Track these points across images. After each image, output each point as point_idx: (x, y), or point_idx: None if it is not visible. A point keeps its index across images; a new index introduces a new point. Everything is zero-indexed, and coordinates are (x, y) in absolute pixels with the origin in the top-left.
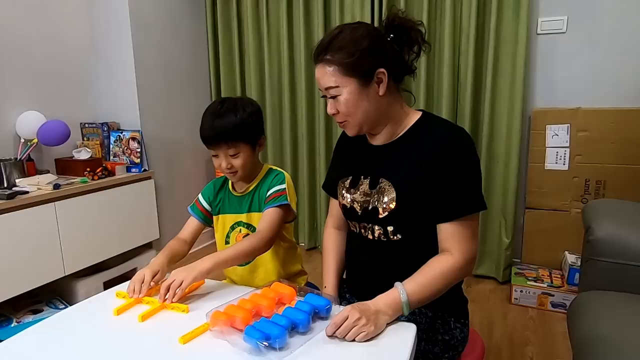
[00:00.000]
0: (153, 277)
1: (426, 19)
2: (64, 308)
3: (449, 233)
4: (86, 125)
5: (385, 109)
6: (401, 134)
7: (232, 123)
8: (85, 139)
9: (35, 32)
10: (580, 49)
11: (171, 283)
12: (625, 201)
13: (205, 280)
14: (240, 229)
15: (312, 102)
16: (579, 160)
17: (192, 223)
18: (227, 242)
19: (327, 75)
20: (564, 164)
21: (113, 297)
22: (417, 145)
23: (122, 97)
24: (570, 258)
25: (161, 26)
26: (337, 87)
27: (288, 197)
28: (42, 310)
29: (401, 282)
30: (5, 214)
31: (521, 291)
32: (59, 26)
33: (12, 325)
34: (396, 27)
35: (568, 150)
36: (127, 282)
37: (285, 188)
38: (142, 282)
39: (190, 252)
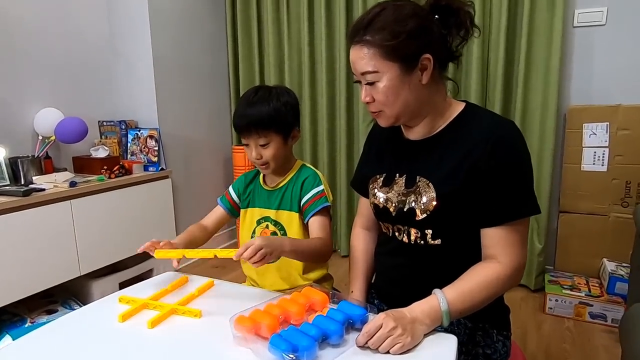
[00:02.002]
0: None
1: None
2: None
3: (495, 238)
4: (104, 123)
5: (426, 100)
6: (442, 127)
7: (264, 111)
8: (103, 137)
9: (55, 28)
10: (621, 42)
11: (253, 250)
12: None
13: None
14: (267, 225)
15: (332, 101)
16: (619, 160)
17: (218, 211)
18: (252, 238)
19: (365, 58)
20: (602, 165)
21: (115, 302)
22: (461, 139)
23: (141, 95)
24: (610, 266)
25: (180, 24)
26: (375, 72)
27: (328, 198)
28: (56, 311)
29: (440, 289)
30: (21, 211)
31: (556, 300)
32: (78, 23)
33: (26, 325)
34: (443, 8)
35: (607, 150)
36: (128, 288)
37: (323, 189)
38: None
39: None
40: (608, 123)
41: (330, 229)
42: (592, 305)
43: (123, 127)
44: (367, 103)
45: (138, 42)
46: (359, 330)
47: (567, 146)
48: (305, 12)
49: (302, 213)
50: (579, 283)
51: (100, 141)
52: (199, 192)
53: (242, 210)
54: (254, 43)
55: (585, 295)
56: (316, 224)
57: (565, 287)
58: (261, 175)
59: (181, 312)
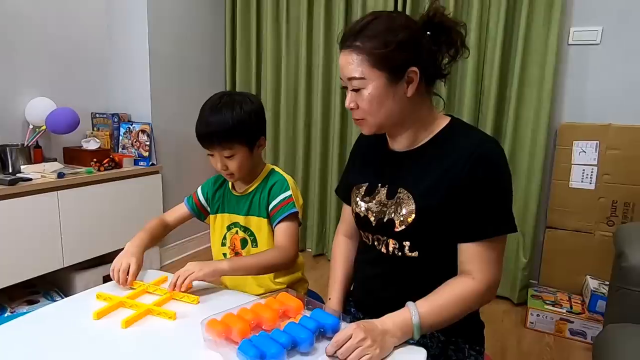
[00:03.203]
0: (138, 267)
1: None
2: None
3: (471, 254)
4: (97, 115)
5: (410, 112)
6: (426, 140)
7: (226, 123)
8: (95, 129)
9: (52, 18)
10: (614, 62)
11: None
12: None
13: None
14: (237, 231)
15: (327, 105)
16: (607, 179)
17: (182, 210)
18: (223, 244)
19: (353, 64)
20: (590, 183)
21: (93, 298)
22: (444, 154)
23: (135, 88)
24: (593, 283)
25: (179, 20)
26: (362, 79)
27: (296, 204)
28: (37, 302)
29: (414, 302)
30: (7, 200)
31: (538, 315)
32: (76, 14)
33: (6, 315)
34: (436, 25)
35: (596, 168)
36: (109, 284)
37: (291, 195)
38: (127, 273)
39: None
40: (598, 142)
41: (297, 235)
42: (572, 322)
43: (116, 120)
44: (351, 109)
45: (135, 35)
46: (330, 339)
47: (557, 162)
48: (304, 15)
49: (270, 219)
50: (561, 299)
51: (92, 133)
52: (188, 188)
53: (212, 216)
54: (252, 43)
55: (566, 311)
56: (280, 231)
57: (547, 302)
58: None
59: (156, 313)
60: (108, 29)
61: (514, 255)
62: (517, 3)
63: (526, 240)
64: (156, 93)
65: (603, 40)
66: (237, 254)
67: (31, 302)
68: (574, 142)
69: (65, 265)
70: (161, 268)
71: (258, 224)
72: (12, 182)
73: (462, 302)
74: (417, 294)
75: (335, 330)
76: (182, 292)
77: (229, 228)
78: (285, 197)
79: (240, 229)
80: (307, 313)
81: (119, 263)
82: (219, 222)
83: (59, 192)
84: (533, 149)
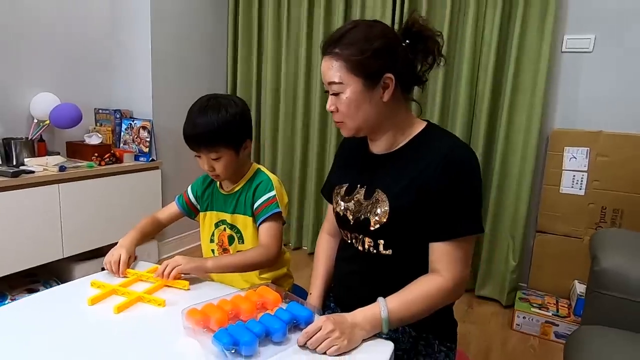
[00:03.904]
0: (129, 257)
1: (447, 28)
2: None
3: (440, 253)
4: (100, 110)
5: (387, 116)
6: (402, 143)
7: (212, 126)
8: (98, 124)
9: (57, 15)
10: (606, 70)
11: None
12: (638, 233)
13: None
14: (225, 228)
15: (325, 105)
16: (597, 186)
17: (173, 208)
18: (211, 241)
19: (332, 69)
20: (580, 189)
21: (88, 285)
22: (419, 157)
23: (137, 85)
24: (580, 288)
25: (181, 19)
26: (340, 83)
27: (279, 204)
28: (37, 290)
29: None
30: (9, 192)
31: (524, 317)
32: (81, 11)
33: (6, 302)
34: (414, 34)
35: (586, 174)
36: (103, 272)
37: (274, 195)
38: (119, 262)
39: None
40: (589, 148)
41: (279, 234)
42: (557, 325)
43: (118, 116)
44: (332, 112)
45: (138, 33)
46: (302, 329)
47: (547, 168)
48: (304, 18)
49: (254, 217)
50: (548, 302)
51: (94, 128)
52: (187, 184)
53: (201, 214)
54: (253, 44)
55: (552, 314)
56: (264, 230)
57: (534, 305)
58: None
59: (146, 300)
60: (112, 27)
61: (504, 258)
62: (512, 10)
63: (516, 244)
64: (157, 91)
65: (596, 48)
66: (225, 250)
67: (31, 291)
68: (565, 148)
69: (65, 256)
70: (159, 261)
71: (244, 222)
72: (15, 174)
73: (430, 299)
74: (391, 291)
75: (309, 322)
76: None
77: (217, 225)
78: (269, 197)
79: (228, 227)
80: (284, 306)
81: (111, 255)
82: (207, 220)
83: (60, 185)
84: (525, 153)
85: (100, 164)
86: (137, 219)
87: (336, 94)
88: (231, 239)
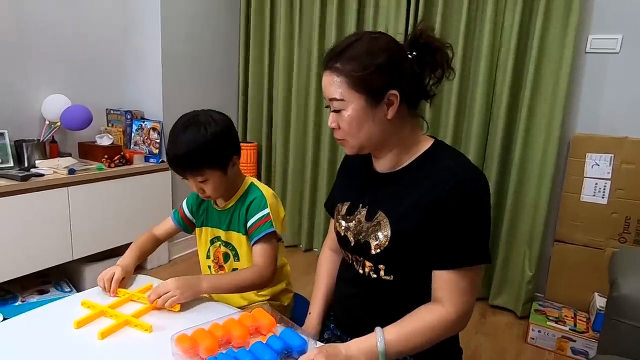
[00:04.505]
0: (123, 276)
1: (464, 27)
2: (70, 291)
3: (443, 282)
4: (111, 111)
5: (391, 134)
6: (407, 162)
7: (192, 151)
8: (109, 125)
9: (67, 16)
10: (633, 72)
11: (165, 292)
12: None
13: None
14: (220, 245)
15: None
16: (621, 195)
17: (169, 224)
18: (207, 257)
19: (333, 85)
20: (602, 197)
21: (78, 304)
22: (423, 177)
23: (148, 86)
24: (600, 301)
25: (193, 20)
26: (342, 100)
27: (273, 223)
28: (48, 292)
29: (385, 326)
30: (19, 195)
31: (539, 331)
32: (92, 12)
33: (17, 303)
34: (421, 45)
35: (609, 182)
36: (94, 290)
37: (268, 213)
38: (112, 280)
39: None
40: (612, 155)
41: (273, 255)
42: (575, 341)
43: (129, 117)
44: (333, 129)
45: (148, 34)
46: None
47: (568, 174)
48: (317, 18)
49: (249, 236)
50: (566, 315)
51: (106, 129)
52: None
53: (197, 229)
54: (265, 44)
55: (569, 329)
56: (257, 251)
57: (550, 318)
58: None
59: (133, 325)
60: (123, 28)
61: (520, 267)
62: (533, 7)
63: (533, 253)
64: (168, 92)
65: (623, 48)
66: (221, 267)
67: (42, 292)
68: (587, 154)
69: (75, 258)
70: (169, 262)
71: (238, 240)
72: (25, 178)
73: (431, 331)
74: (391, 317)
75: (302, 352)
76: None
77: (212, 242)
78: (263, 216)
79: (222, 244)
80: (280, 329)
81: (105, 272)
82: (204, 235)
83: (69, 188)
84: (544, 159)
85: (109, 166)
86: (148, 222)
87: (337, 111)
88: (226, 257)
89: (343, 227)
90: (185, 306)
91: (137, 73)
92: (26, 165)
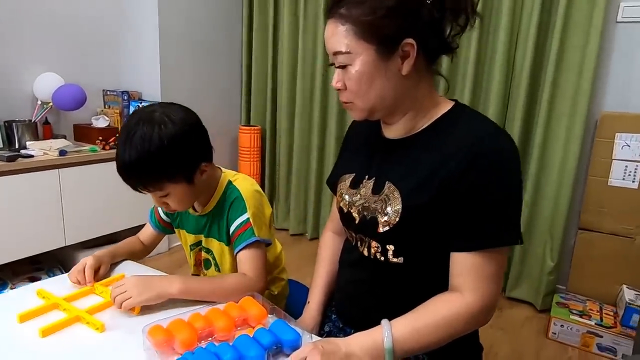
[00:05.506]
0: (97, 266)
1: None
2: None
3: (465, 267)
4: (108, 92)
5: (406, 93)
6: (423, 127)
7: (142, 164)
8: (106, 106)
9: None
10: None
11: (121, 292)
12: None
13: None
14: (201, 249)
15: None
16: None
17: (149, 230)
18: (191, 257)
19: (337, 35)
20: (633, 182)
21: (33, 294)
22: (441, 144)
23: (146, 66)
24: (629, 294)
25: None
26: (348, 53)
27: (255, 229)
28: (39, 278)
29: (392, 319)
30: (6, 177)
31: (562, 326)
32: None
33: (7, 290)
34: None
35: None
36: (56, 278)
37: (248, 218)
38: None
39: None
40: None
41: (262, 263)
42: (601, 337)
43: (125, 97)
44: (338, 90)
45: (145, 10)
46: (288, 356)
47: (594, 157)
48: None
49: (232, 245)
50: (590, 309)
51: (102, 110)
52: None
53: (176, 230)
54: (269, 22)
55: (595, 324)
56: (243, 259)
57: (574, 312)
58: None
59: (85, 322)
60: (119, 3)
61: (540, 258)
62: None
63: (554, 242)
64: (166, 71)
65: None
66: (204, 275)
67: (33, 279)
68: (616, 134)
69: (68, 244)
70: (169, 249)
71: (219, 249)
72: (11, 159)
73: (448, 326)
74: (399, 306)
75: (294, 347)
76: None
77: (191, 248)
78: (243, 222)
79: (204, 251)
80: (271, 320)
81: (78, 266)
82: (183, 238)
83: (60, 169)
84: (568, 140)
85: (104, 148)
86: (143, 207)
87: (343, 67)
88: (207, 263)
89: (347, 202)
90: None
91: (133, 51)
92: (17, 146)
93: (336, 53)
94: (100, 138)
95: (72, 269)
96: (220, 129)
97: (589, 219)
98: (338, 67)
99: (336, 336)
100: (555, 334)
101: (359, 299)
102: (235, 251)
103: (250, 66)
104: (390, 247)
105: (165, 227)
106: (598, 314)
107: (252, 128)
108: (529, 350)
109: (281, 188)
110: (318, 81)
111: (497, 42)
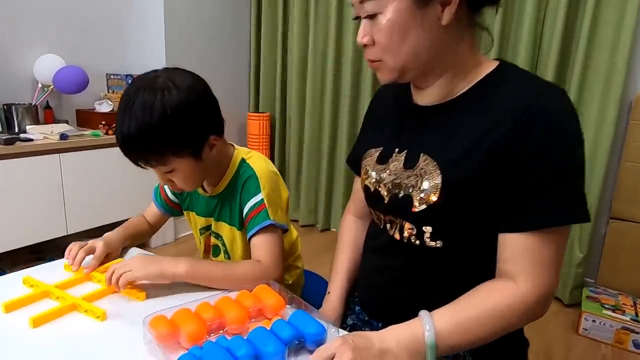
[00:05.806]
0: (108, 253)
1: None
2: None
3: (518, 250)
4: (112, 76)
5: (444, 49)
6: (462, 91)
7: (144, 136)
8: (110, 90)
9: None
10: None
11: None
12: None
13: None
14: (210, 234)
15: (357, 71)
16: None
17: (154, 209)
18: (201, 242)
19: None
20: None
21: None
22: (486, 109)
23: (151, 49)
24: None
25: None
26: None
27: (270, 212)
28: None
29: (431, 310)
30: (4, 161)
31: (593, 321)
32: None
33: None
34: None
35: None
36: (48, 264)
37: (262, 199)
38: (94, 256)
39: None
40: None
41: (278, 249)
42: (637, 333)
43: (130, 82)
44: (365, 47)
45: None
46: (311, 352)
47: (628, 141)
48: None
49: (245, 229)
50: (624, 304)
51: (106, 95)
52: None
53: (185, 212)
54: (279, 5)
55: (630, 319)
56: (257, 244)
57: (606, 306)
58: None
59: (82, 310)
60: None
61: (568, 248)
62: None
63: (583, 232)
64: (172, 55)
65: None
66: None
67: None
68: None
69: (70, 233)
70: (175, 240)
71: (230, 235)
72: (9, 142)
73: (499, 318)
74: (435, 297)
75: (319, 342)
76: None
77: (201, 232)
78: (257, 204)
79: (213, 236)
80: (290, 312)
81: (75, 243)
82: (192, 220)
83: (60, 154)
84: (600, 123)
85: (107, 133)
86: (148, 194)
87: (371, 17)
88: (216, 250)
89: (374, 180)
90: (161, 285)
91: (138, 34)
92: (16, 130)
93: (363, 0)
94: (103, 122)
95: (70, 245)
96: (228, 115)
97: (622, 208)
98: (365, 17)
99: (361, 330)
100: (586, 329)
101: (387, 288)
102: (249, 236)
103: (259, 49)
104: (428, 229)
105: (173, 208)
106: (632, 308)
107: (261, 115)
108: (559, 346)
109: (291, 178)
110: (330, 59)
111: (524, 16)
